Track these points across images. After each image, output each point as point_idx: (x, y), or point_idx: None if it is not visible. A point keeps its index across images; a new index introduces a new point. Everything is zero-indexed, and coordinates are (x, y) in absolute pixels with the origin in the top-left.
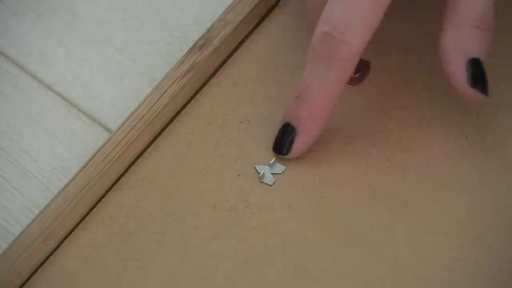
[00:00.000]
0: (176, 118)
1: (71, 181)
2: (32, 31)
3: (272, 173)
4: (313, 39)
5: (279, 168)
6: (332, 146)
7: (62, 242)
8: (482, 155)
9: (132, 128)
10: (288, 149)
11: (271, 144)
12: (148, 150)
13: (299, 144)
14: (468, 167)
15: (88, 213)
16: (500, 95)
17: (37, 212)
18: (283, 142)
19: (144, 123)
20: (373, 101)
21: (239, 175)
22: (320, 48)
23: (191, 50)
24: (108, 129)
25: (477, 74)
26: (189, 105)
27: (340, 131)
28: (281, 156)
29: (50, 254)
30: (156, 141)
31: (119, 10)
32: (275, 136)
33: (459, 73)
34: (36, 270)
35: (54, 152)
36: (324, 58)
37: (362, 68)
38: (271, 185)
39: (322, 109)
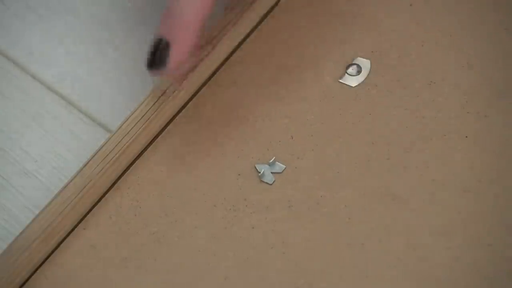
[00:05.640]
0: (176, 118)
1: (71, 181)
2: (33, 31)
3: (272, 172)
4: None
5: (279, 167)
6: (332, 146)
7: (62, 242)
8: (482, 155)
9: (132, 128)
10: (163, 62)
11: (271, 143)
12: (148, 150)
13: (175, 54)
14: (468, 167)
15: (88, 213)
16: (500, 95)
17: (37, 212)
18: (156, 55)
19: (144, 123)
20: (373, 101)
21: (239, 175)
22: None
23: None
24: (108, 129)
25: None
26: (189, 105)
27: (340, 131)
28: (158, 71)
29: (50, 254)
30: (155, 141)
31: (119, 10)
32: (147, 54)
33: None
34: (36, 269)
35: (54, 152)
36: None
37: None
38: (271, 184)
39: (193, 16)
